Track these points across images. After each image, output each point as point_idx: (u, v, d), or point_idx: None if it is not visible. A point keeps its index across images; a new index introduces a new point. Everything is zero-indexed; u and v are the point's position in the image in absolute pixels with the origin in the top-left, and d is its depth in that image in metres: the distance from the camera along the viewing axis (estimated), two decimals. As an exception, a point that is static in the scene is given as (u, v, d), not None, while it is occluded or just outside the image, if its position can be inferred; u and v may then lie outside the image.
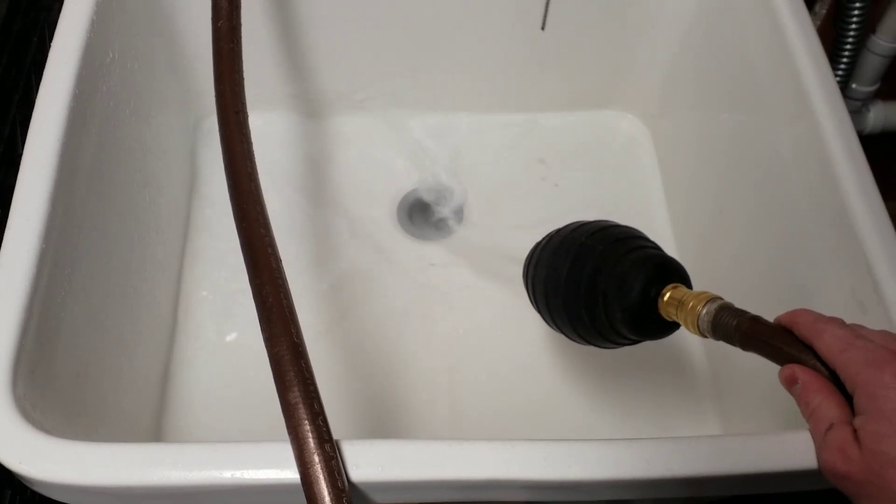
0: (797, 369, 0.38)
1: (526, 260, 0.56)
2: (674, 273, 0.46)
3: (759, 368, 0.55)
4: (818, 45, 0.53)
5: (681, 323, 0.44)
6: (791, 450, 0.38)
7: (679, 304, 0.43)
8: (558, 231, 0.53)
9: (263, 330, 0.40)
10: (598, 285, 0.46)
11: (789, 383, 0.38)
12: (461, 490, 0.38)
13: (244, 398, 0.62)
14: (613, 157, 0.77)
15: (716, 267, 0.64)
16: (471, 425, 0.63)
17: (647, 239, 0.49)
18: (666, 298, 0.44)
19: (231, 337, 0.65)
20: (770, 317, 0.41)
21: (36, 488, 0.38)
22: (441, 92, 0.76)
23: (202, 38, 0.65)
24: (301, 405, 0.37)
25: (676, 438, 0.38)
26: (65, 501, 0.39)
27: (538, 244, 0.55)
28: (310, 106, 0.76)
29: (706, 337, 0.42)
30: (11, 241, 0.43)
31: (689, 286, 0.45)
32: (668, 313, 0.44)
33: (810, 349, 0.38)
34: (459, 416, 0.63)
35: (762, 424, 0.57)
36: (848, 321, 0.38)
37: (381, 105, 0.76)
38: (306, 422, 0.36)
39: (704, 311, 0.42)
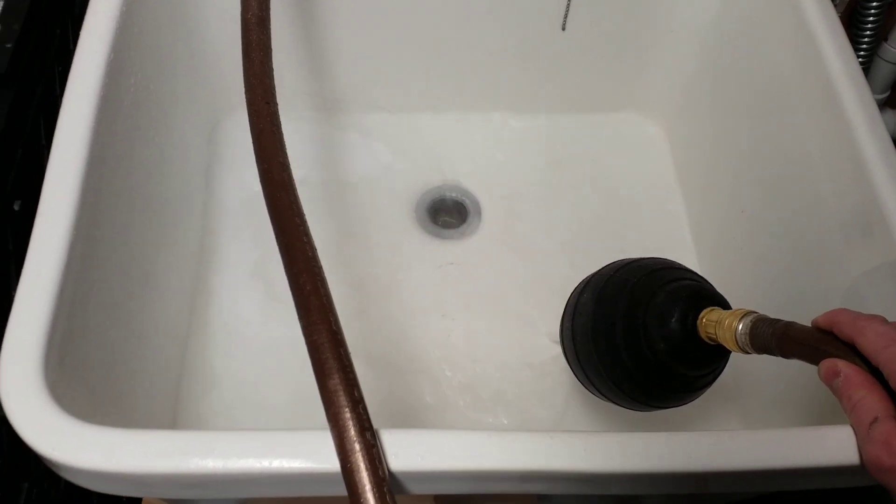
0: (839, 363, 0.38)
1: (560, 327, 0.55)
2: (709, 298, 0.46)
3: (780, 369, 0.55)
4: (847, 44, 0.53)
5: (723, 344, 0.44)
6: (832, 444, 0.38)
7: (717, 324, 0.43)
8: (581, 280, 0.53)
9: (301, 318, 0.39)
10: (637, 319, 0.46)
11: (830, 377, 0.38)
12: (499, 481, 0.38)
13: (261, 389, 0.61)
14: (630, 159, 0.77)
15: (738, 269, 0.64)
16: (489, 424, 0.63)
17: (680, 268, 0.49)
18: (704, 322, 0.44)
19: (247, 326, 0.65)
20: (801, 320, 0.40)
21: (67, 475, 0.38)
22: (460, 92, 0.76)
23: (223, 36, 0.65)
24: (342, 393, 0.36)
25: (717, 432, 0.38)
26: (95, 489, 0.38)
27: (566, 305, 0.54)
28: (328, 105, 0.76)
29: (748, 352, 0.42)
30: (42, 230, 0.43)
31: (727, 309, 0.45)
32: (709, 336, 0.44)
33: (851, 347, 0.38)
34: (478, 413, 0.63)
35: (784, 425, 0.57)
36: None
37: (400, 105, 0.76)
38: (347, 409, 0.36)
39: (741, 326, 0.42)
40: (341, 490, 0.36)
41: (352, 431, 0.36)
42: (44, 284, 0.41)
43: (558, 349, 0.65)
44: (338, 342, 0.38)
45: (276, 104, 0.50)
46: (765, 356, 0.42)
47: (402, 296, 0.68)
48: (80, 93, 0.49)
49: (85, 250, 0.44)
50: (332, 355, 0.38)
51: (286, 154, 0.47)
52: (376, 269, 0.70)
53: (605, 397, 0.52)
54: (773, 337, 0.40)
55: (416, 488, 0.38)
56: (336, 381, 0.37)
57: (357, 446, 0.35)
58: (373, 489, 0.34)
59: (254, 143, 0.48)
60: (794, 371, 0.54)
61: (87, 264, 0.44)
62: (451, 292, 0.69)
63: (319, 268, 0.41)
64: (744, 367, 0.63)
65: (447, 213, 0.74)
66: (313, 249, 0.42)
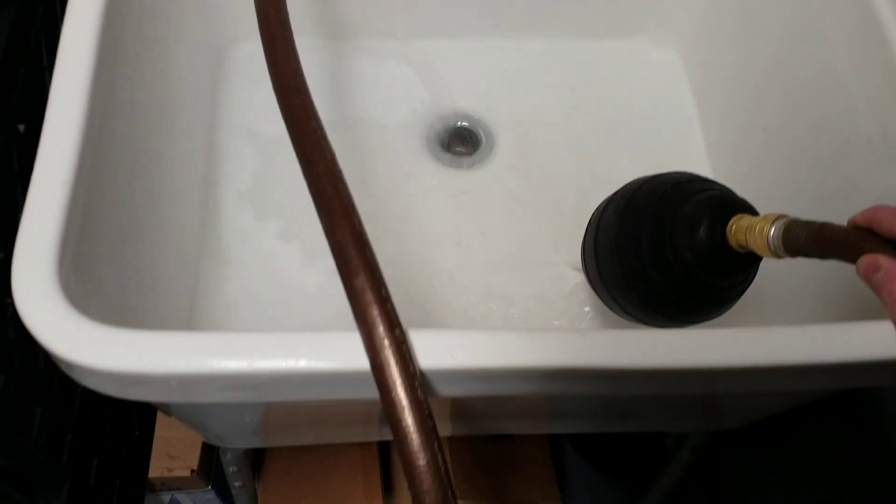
0: (880, 258, 0.36)
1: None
2: (738, 206, 0.44)
3: (803, 280, 0.54)
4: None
5: (754, 251, 0.42)
6: (874, 339, 0.37)
7: (747, 231, 0.42)
8: (603, 199, 0.52)
9: (323, 220, 0.38)
10: (664, 231, 0.45)
11: (870, 272, 0.37)
12: (530, 380, 0.37)
13: (277, 294, 0.61)
14: (645, 84, 0.75)
15: (758, 190, 0.62)
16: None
17: (706, 179, 0.48)
18: (734, 229, 0.43)
19: (259, 237, 0.64)
20: None
21: (86, 379, 0.36)
22: (470, 18, 0.74)
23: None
24: (368, 290, 0.35)
25: (757, 328, 0.37)
26: (114, 393, 0.37)
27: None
28: (335, 32, 0.74)
29: (780, 257, 0.41)
30: (52, 136, 0.41)
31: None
32: (740, 244, 0.43)
33: (892, 244, 0.37)
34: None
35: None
36: None
37: (409, 32, 0.74)
38: (375, 306, 0.35)
39: (773, 230, 0.40)
40: (369, 392, 0.35)
41: (380, 328, 0.35)
42: (55, 189, 0.39)
43: (578, 275, 0.64)
44: (362, 242, 0.37)
45: (286, 13, 0.48)
46: (793, 265, 0.41)
47: (415, 226, 0.67)
48: (83, 11, 0.47)
49: (95, 156, 0.42)
50: (356, 254, 0.36)
51: (299, 61, 0.46)
52: (387, 199, 0.68)
53: (631, 316, 0.51)
54: (808, 238, 0.39)
55: (445, 389, 0.37)
56: (362, 280, 0.36)
57: (386, 342, 0.34)
58: (404, 385, 0.34)
59: (265, 50, 0.46)
60: (817, 283, 0.53)
61: (98, 171, 0.43)
62: (466, 221, 0.67)
63: (339, 171, 0.40)
64: (765, 281, 0.62)
65: (459, 142, 0.72)
66: (332, 153, 0.41)
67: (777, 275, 0.56)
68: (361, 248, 0.37)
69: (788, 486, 0.99)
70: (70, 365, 0.35)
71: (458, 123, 0.72)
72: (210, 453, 0.81)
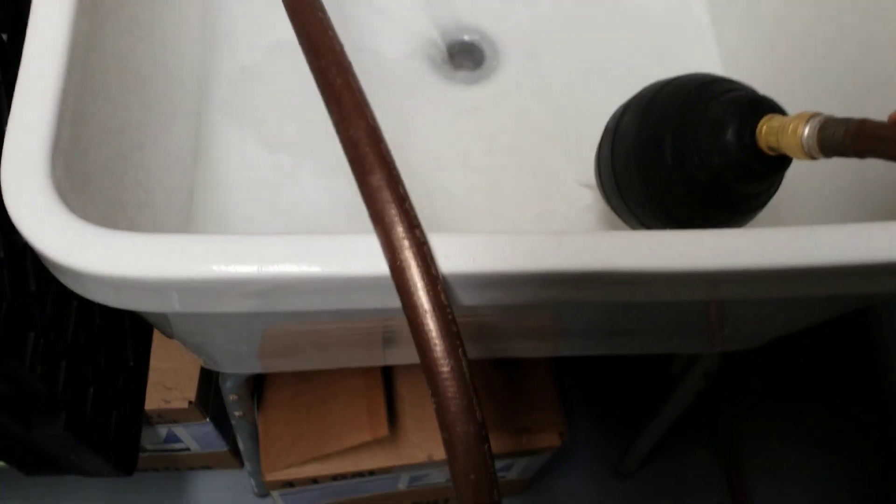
0: (927, 152, 0.34)
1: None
2: (768, 105, 0.42)
3: (825, 188, 0.52)
4: None
5: (786, 153, 0.40)
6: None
7: (779, 131, 0.39)
8: (620, 105, 0.49)
9: (333, 114, 0.36)
10: (688, 134, 0.43)
11: (915, 168, 0.35)
12: (556, 286, 0.35)
13: (278, 208, 0.58)
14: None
15: (780, 96, 0.60)
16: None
17: (732, 80, 0.45)
18: (764, 131, 0.40)
19: (258, 144, 0.61)
20: None
21: (86, 287, 0.34)
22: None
23: None
24: (385, 188, 0.33)
25: (795, 227, 0.35)
26: (114, 303, 0.35)
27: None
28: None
29: (815, 158, 0.39)
30: (38, 35, 0.38)
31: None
32: (770, 146, 0.40)
33: None
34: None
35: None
36: None
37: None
38: (393, 205, 0.33)
39: (807, 130, 0.38)
40: (388, 300, 0.33)
41: (399, 228, 0.32)
42: (44, 86, 0.36)
43: (589, 192, 0.62)
44: (377, 137, 0.35)
45: None
46: (811, 173, 0.38)
47: (419, 146, 0.64)
48: None
49: (85, 57, 0.39)
50: (372, 150, 0.34)
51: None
52: (389, 120, 0.64)
53: (647, 227, 0.49)
54: (846, 136, 0.37)
55: (466, 297, 0.35)
56: (379, 177, 0.33)
57: (406, 243, 0.32)
58: (426, 287, 0.32)
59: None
60: (836, 192, 0.51)
61: (88, 74, 0.40)
62: (472, 140, 0.65)
63: (349, 63, 0.37)
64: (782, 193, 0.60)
65: (463, 57, 0.69)
66: (340, 45, 0.38)
67: (796, 184, 0.54)
68: (377, 144, 0.34)
69: (793, 409, 1.00)
70: (66, 270, 0.33)
71: (462, 37, 0.69)
72: (208, 385, 0.79)
